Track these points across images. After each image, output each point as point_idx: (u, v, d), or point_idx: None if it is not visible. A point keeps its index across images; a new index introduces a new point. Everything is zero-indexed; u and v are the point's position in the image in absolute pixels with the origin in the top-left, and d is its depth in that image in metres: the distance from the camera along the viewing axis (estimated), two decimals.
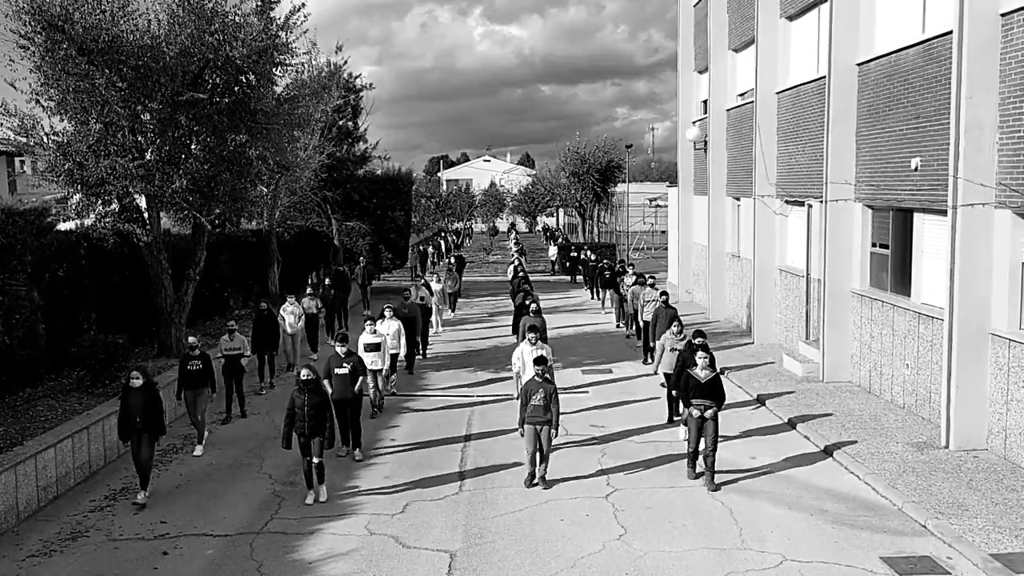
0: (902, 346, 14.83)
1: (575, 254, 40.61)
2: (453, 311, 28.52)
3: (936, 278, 13.81)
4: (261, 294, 25.89)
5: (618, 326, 24.90)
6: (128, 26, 15.29)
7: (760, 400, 16.00)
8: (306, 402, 11.02)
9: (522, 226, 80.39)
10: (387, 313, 16.72)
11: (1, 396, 13.93)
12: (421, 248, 42.29)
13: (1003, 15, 11.74)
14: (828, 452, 12.85)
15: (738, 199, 24.74)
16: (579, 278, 38.63)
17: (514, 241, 52.74)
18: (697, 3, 28.69)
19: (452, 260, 33.45)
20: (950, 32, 12.65)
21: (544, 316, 17.79)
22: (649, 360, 18.74)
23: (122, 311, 18.01)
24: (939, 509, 10.28)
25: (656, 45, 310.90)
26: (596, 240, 48.67)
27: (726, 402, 12.21)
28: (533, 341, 13.49)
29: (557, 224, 73.32)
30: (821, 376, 17.07)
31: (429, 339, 21.98)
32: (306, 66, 19.66)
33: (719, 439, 11.69)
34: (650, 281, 20.32)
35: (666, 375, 14.39)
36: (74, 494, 11.79)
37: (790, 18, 20.24)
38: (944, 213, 13.01)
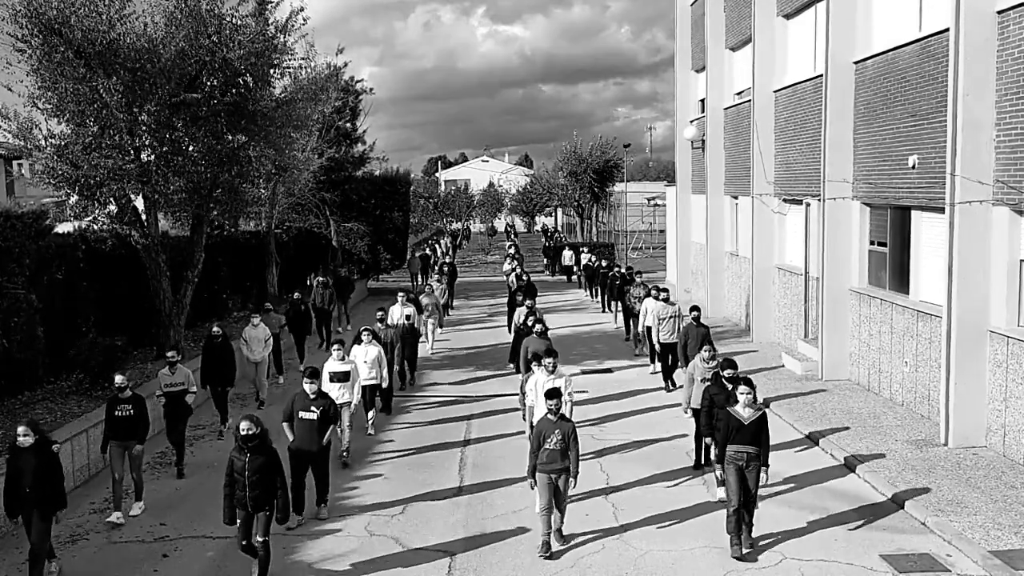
0: (901, 344, 14.84)
1: (585, 259, 35.72)
2: (441, 325, 24.09)
3: (934, 276, 13.82)
4: (260, 296, 25.87)
5: (627, 340, 22.03)
6: (125, 29, 15.31)
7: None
8: (247, 464, 8.66)
9: (520, 226, 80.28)
10: (365, 337, 14.09)
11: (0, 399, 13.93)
12: (420, 254, 39.25)
13: (999, 12, 11.75)
14: (827, 450, 12.86)
15: (736, 198, 24.75)
16: (574, 278, 38.41)
17: (509, 244, 48.05)
18: (694, 2, 28.71)
19: (443, 269, 29.81)
20: (947, 30, 12.67)
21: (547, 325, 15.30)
22: (671, 387, 16.65)
23: (121, 313, 18.00)
24: (939, 506, 10.29)
25: (659, 45, 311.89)
26: (595, 240, 48.65)
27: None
28: (551, 369, 11.43)
29: (556, 224, 73.28)
30: (820, 374, 17.07)
31: (418, 363, 18.84)
32: (304, 68, 19.66)
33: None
34: (663, 295, 17.32)
35: (696, 411, 11.92)
36: (73, 497, 11.72)
37: (787, 16, 20.26)
38: (942, 211, 13.02)
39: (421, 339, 19.72)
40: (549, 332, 15.32)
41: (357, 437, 13.68)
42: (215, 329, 14.54)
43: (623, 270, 24.36)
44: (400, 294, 18.54)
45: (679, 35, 30.30)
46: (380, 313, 16.20)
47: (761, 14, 20.69)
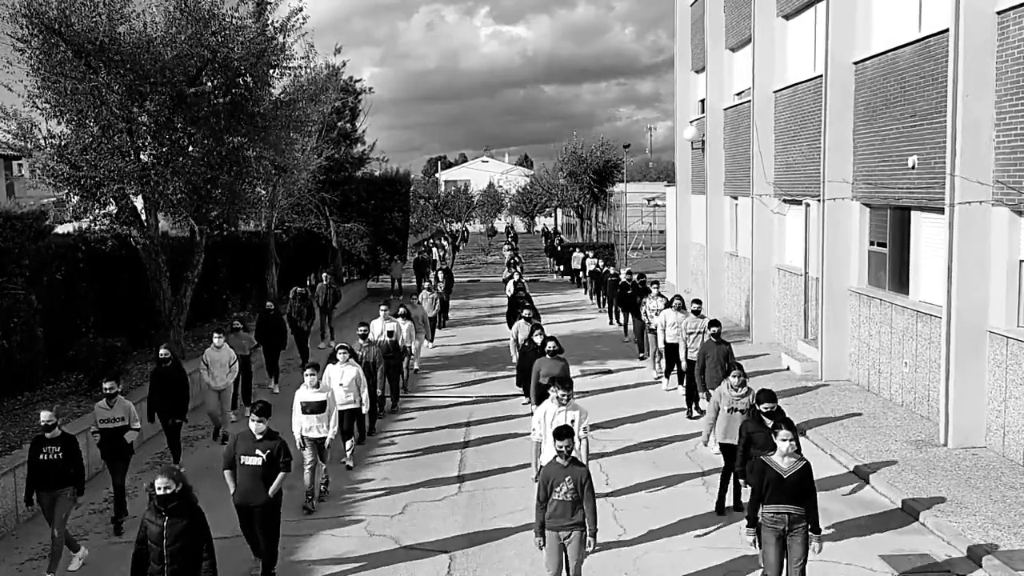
0: (900, 344, 14.84)
1: (591, 264, 31.81)
2: (432, 341, 22.18)
3: (934, 276, 13.82)
4: (260, 296, 25.85)
5: (641, 357, 19.68)
6: (125, 28, 15.32)
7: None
8: (165, 531, 7.02)
9: (520, 226, 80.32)
10: (341, 356, 12.31)
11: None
12: (416, 258, 37.05)
13: (999, 13, 11.76)
14: (826, 451, 12.86)
15: (736, 198, 24.76)
16: (569, 278, 38.26)
17: (508, 246, 45.59)
18: (694, 2, 28.72)
19: (438, 276, 26.94)
20: (946, 30, 12.67)
21: (548, 332, 13.88)
22: (695, 413, 14.84)
23: (120, 314, 18.01)
24: (938, 506, 10.29)
25: (662, 45, 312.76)
26: (595, 240, 48.64)
27: None
28: (563, 400, 9.82)
29: (556, 225, 73.34)
30: (820, 375, 17.07)
31: (401, 387, 16.62)
32: (303, 69, 19.65)
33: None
34: (694, 307, 15.22)
35: (724, 447, 10.46)
36: None
37: (787, 17, 20.26)
38: (942, 211, 13.02)
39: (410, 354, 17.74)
40: (547, 329, 14.63)
41: (334, 471, 12.16)
42: (163, 351, 12.46)
43: (634, 277, 21.79)
44: (383, 307, 16.52)
45: (679, 35, 30.32)
46: (362, 328, 14.56)
47: (761, 14, 20.70)
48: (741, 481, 9.66)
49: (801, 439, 13.42)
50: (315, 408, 10.89)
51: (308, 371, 11.05)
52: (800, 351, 18.95)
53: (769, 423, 8.86)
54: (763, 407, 9.11)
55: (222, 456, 9.29)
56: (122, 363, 15.29)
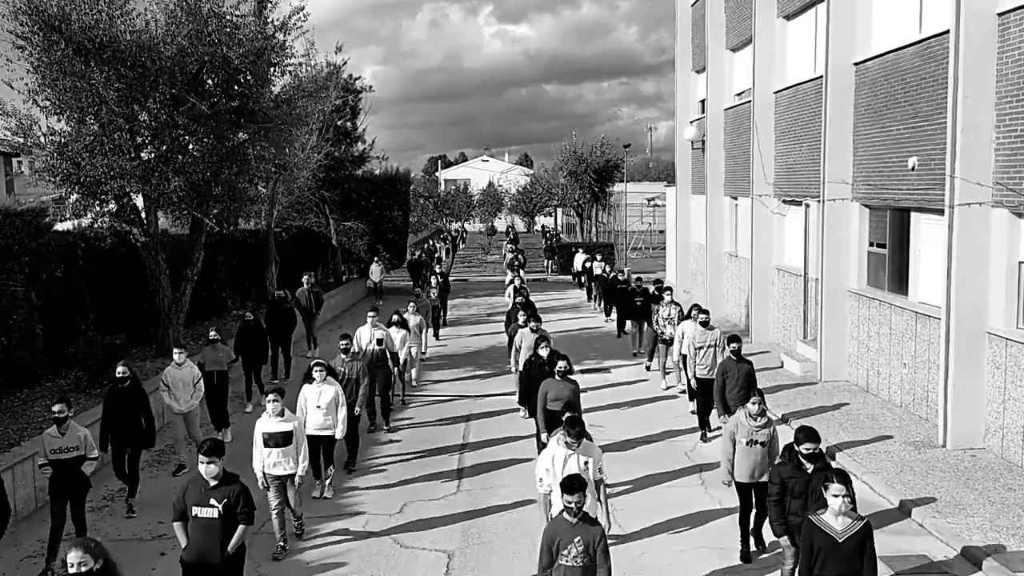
0: (899, 345, 14.85)
1: (597, 268, 29.22)
2: (425, 351, 20.36)
3: (933, 277, 13.82)
4: (259, 295, 25.83)
5: (649, 368, 18.45)
6: (126, 26, 15.33)
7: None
8: None
9: (520, 226, 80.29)
10: (317, 374, 10.82)
11: None
12: (412, 259, 36.23)
13: (1000, 15, 11.76)
14: (825, 451, 12.85)
15: (736, 198, 24.76)
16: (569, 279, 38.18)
17: (508, 247, 43.56)
18: (695, 3, 28.72)
19: (431, 282, 25.00)
20: (947, 32, 12.67)
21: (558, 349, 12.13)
22: (707, 436, 13.41)
23: (120, 311, 18.02)
24: (936, 508, 10.30)
25: (666, 45, 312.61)
26: (595, 240, 48.62)
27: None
28: (573, 442, 8.17)
29: (556, 225, 73.33)
30: (819, 375, 17.08)
31: (393, 402, 15.06)
32: (303, 67, 19.67)
33: None
34: (701, 318, 13.73)
35: (741, 487, 9.13)
36: None
37: (787, 17, 20.26)
38: (941, 212, 13.02)
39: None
40: (546, 330, 14.08)
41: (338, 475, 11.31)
42: (120, 369, 10.86)
43: (644, 285, 19.92)
44: (370, 314, 14.99)
45: (680, 36, 30.32)
46: (344, 343, 12.41)
47: (761, 15, 20.70)
48: (783, 542, 7.90)
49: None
50: (279, 440, 9.40)
51: (270, 397, 9.54)
52: (799, 351, 18.96)
53: (808, 467, 7.65)
54: (803, 448, 7.66)
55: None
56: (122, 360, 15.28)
